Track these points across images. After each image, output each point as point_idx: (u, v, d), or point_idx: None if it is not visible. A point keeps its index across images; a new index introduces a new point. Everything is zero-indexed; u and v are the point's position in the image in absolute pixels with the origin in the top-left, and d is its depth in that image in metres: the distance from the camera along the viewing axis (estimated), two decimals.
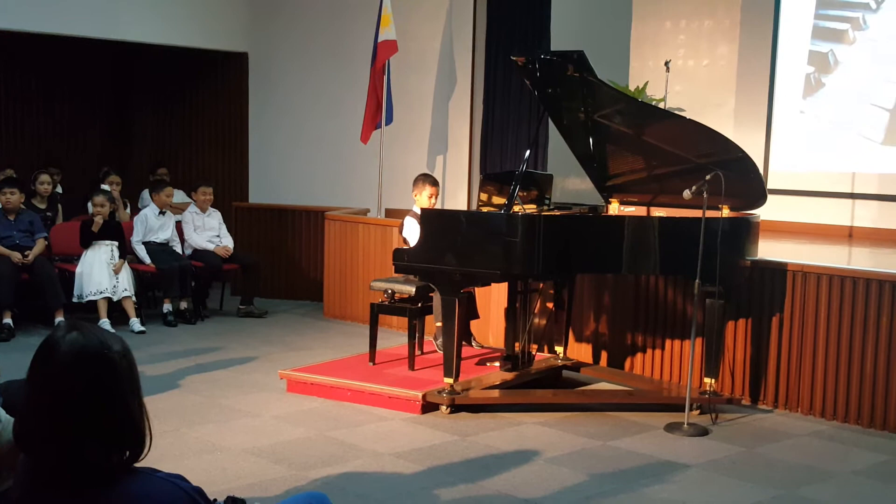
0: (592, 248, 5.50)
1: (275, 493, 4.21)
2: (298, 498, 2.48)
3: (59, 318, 7.32)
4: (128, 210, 9.16)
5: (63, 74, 11.27)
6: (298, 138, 10.27)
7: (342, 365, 6.28)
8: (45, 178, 8.64)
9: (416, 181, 6.73)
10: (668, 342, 6.33)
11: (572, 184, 8.82)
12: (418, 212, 6.42)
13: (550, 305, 6.60)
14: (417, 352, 6.32)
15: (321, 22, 10.08)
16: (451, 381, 5.56)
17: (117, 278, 7.69)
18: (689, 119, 5.91)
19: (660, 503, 4.30)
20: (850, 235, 8.44)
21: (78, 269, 7.71)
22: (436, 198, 6.68)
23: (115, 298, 7.67)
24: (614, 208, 6.33)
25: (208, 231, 8.58)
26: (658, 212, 6.05)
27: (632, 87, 8.89)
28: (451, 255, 5.42)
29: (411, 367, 6.13)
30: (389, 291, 6.33)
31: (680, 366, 6.23)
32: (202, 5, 10.14)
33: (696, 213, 5.25)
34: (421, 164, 9.33)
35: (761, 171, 6.85)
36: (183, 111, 11.23)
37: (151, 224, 8.29)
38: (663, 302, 6.35)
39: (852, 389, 5.57)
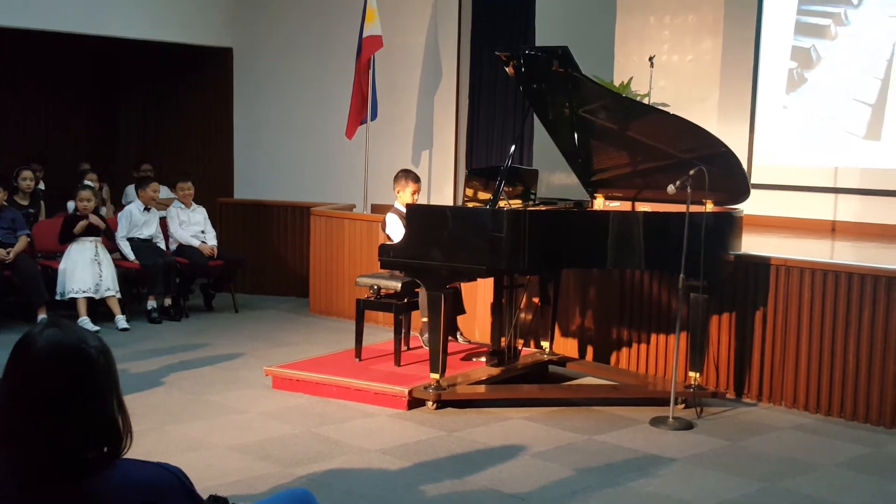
0: (578, 243, 5.52)
1: (261, 490, 4.20)
2: (283, 495, 2.48)
3: (42, 316, 7.30)
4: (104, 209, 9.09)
5: (47, 70, 11.19)
6: (283, 134, 10.24)
7: (328, 361, 6.27)
8: (27, 174, 8.56)
9: (397, 177, 6.66)
10: (653, 336, 6.36)
11: (558, 179, 8.83)
12: (401, 208, 6.41)
13: (536, 300, 6.61)
14: (403, 347, 6.32)
15: (306, 17, 10.05)
16: (437, 376, 5.56)
17: (101, 276, 7.65)
18: (673, 115, 5.93)
19: (645, 497, 4.32)
20: (832, 230, 8.49)
21: (61, 266, 7.67)
22: (418, 194, 6.66)
23: (97, 297, 7.63)
24: (599, 203, 6.35)
25: (193, 226, 8.54)
26: (643, 207, 6.07)
27: (616, 83, 8.91)
28: (436, 251, 5.42)
29: (397, 362, 6.13)
30: (375, 287, 6.32)
31: (665, 360, 6.26)
32: (187, 1, 10.09)
33: (681, 208, 5.28)
34: (406, 159, 9.31)
35: (745, 165, 6.89)
36: (168, 107, 11.17)
37: (136, 220, 8.24)
38: (648, 296, 6.37)
39: (835, 383, 5.61)
